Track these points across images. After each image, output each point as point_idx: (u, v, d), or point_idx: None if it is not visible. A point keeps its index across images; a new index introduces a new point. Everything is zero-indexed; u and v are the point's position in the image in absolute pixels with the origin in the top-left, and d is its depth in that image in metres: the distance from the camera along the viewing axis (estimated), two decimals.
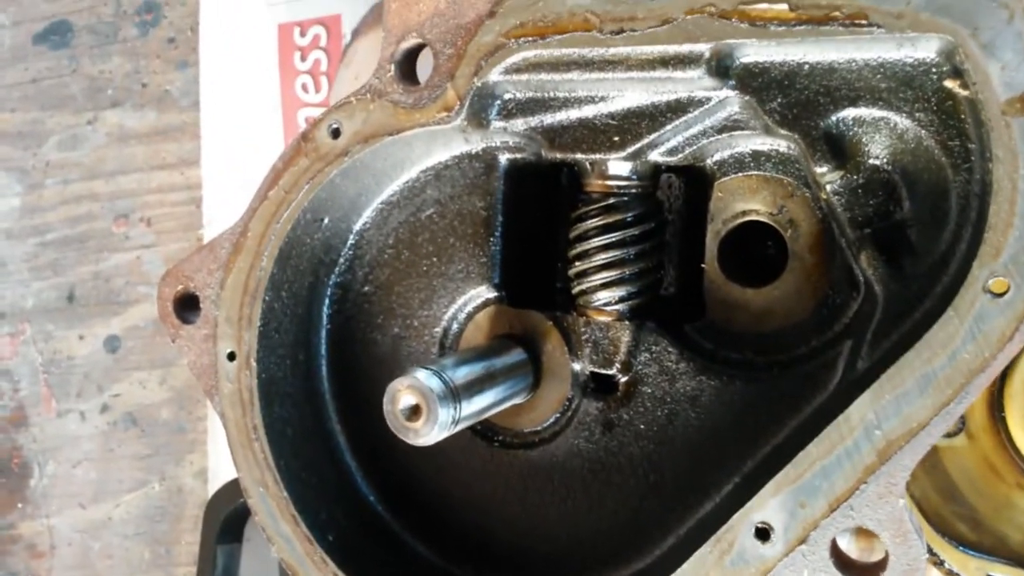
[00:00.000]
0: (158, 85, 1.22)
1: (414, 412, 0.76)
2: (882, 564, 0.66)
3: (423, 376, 0.76)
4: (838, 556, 0.68)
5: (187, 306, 0.98)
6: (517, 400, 0.89)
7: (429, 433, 0.76)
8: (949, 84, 0.65)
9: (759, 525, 0.70)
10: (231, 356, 0.94)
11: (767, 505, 0.69)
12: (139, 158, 1.23)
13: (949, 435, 0.87)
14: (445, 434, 0.77)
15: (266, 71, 1.17)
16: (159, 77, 1.22)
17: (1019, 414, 0.84)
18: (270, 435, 0.93)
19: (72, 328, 1.25)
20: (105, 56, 1.25)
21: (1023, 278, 0.60)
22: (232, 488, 1.09)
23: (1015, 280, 0.60)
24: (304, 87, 1.16)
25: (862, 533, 0.66)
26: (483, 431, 0.93)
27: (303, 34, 1.17)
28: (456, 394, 0.78)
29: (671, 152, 0.80)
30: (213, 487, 1.13)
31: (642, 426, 0.85)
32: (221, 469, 1.16)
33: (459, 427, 0.80)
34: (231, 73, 1.17)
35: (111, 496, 1.23)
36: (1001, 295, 0.60)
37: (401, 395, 0.76)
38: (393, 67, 0.83)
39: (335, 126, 0.86)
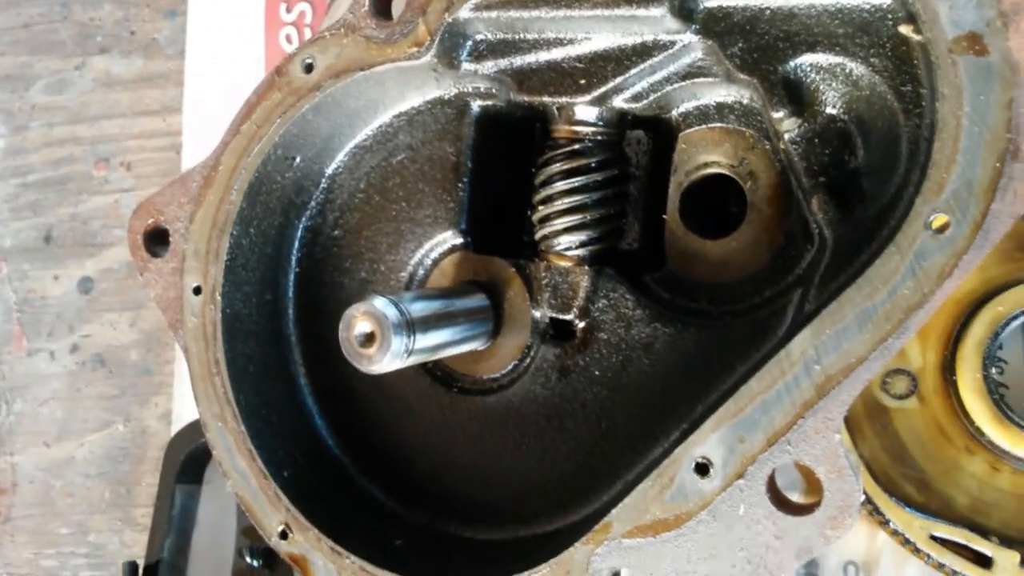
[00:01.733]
0: (146, 33, 1.24)
1: (368, 339, 0.76)
2: (817, 502, 0.67)
3: (380, 304, 0.77)
4: (774, 492, 0.68)
5: (157, 240, 0.98)
6: (475, 344, 0.90)
7: (381, 360, 0.76)
8: (903, 29, 0.66)
9: (699, 460, 0.70)
10: (197, 290, 0.94)
11: (707, 440, 0.70)
12: (123, 104, 1.24)
13: (900, 397, 0.88)
14: (398, 364, 0.78)
15: (252, 22, 1.18)
16: (148, 25, 1.23)
17: (970, 378, 0.85)
18: (231, 370, 0.93)
19: (48, 268, 1.26)
20: (96, 3, 1.26)
21: (963, 214, 0.61)
22: (194, 429, 1.10)
23: (955, 216, 0.61)
24: (288, 38, 1.18)
25: (799, 469, 0.67)
26: (442, 377, 0.94)
27: None
28: (412, 325, 0.79)
29: (636, 98, 0.81)
30: (176, 430, 1.13)
31: (597, 372, 0.86)
32: (185, 412, 1.17)
33: (412, 359, 0.80)
34: (218, 23, 1.18)
35: (75, 435, 1.23)
36: (942, 231, 0.61)
37: (357, 321, 0.77)
38: (367, 2, 0.84)
39: (308, 60, 0.87)
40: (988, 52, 0.59)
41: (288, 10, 1.18)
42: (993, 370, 0.85)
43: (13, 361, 1.27)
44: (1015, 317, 0.84)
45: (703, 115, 0.82)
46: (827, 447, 0.66)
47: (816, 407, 0.66)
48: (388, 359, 0.76)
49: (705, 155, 0.83)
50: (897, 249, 0.63)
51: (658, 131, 0.86)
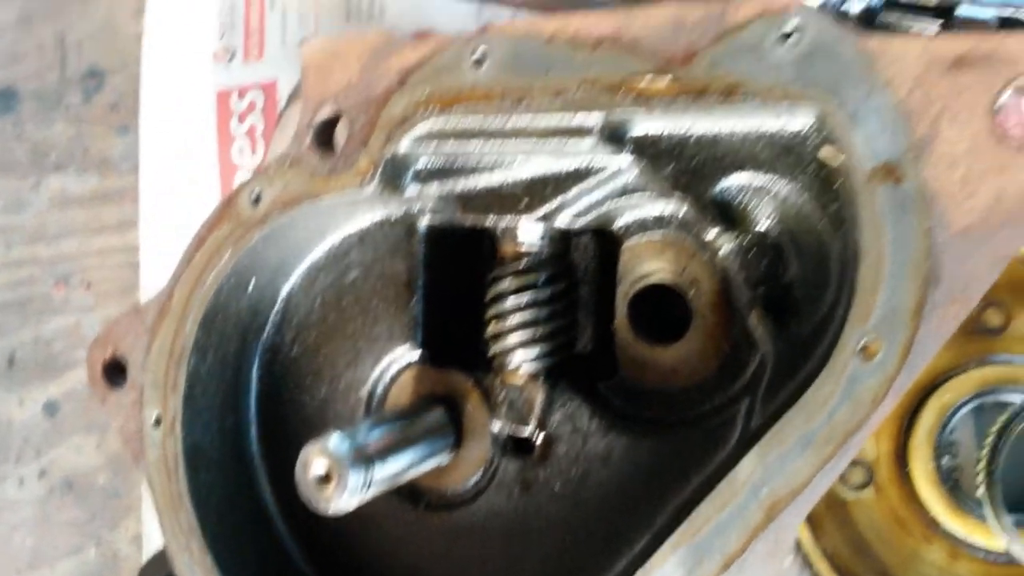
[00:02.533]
0: (100, 150, 1.25)
1: (325, 479, 0.77)
2: None
3: (334, 442, 0.77)
4: None
5: (115, 371, 0.98)
6: (438, 461, 0.90)
7: (339, 500, 0.76)
8: (823, 153, 0.68)
9: None
10: (157, 421, 0.94)
11: (666, 563, 0.70)
12: (80, 221, 1.24)
13: (857, 488, 0.88)
14: (357, 501, 0.78)
15: (204, 136, 1.19)
16: (101, 143, 1.24)
17: (923, 467, 0.85)
18: (195, 501, 0.93)
19: (12, 392, 1.25)
20: (49, 122, 1.28)
21: (892, 341, 0.62)
22: (163, 557, 1.08)
23: (885, 341, 0.62)
24: (241, 151, 1.19)
25: None
26: (409, 494, 0.94)
27: (240, 98, 1.20)
28: (369, 458, 0.79)
29: (577, 215, 0.83)
30: (148, 552, 1.12)
31: (558, 486, 0.86)
32: (155, 534, 1.16)
33: (373, 491, 0.80)
34: (170, 138, 1.19)
35: (47, 562, 1.22)
36: (872, 356, 0.63)
37: (312, 460, 0.77)
38: (310, 135, 0.85)
39: (256, 193, 0.88)
40: (903, 182, 0.61)
41: (240, 122, 1.20)
42: (945, 458, 0.86)
43: None
44: (962, 405, 0.86)
45: (643, 226, 0.84)
46: (778, 571, 0.66)
47: (767, 530, 0.66)
48: (346, 497, 0.76)
49: (648, 264, 0.84)
50: (831, 374, 0.64)
51: (602, 239, 0.88)
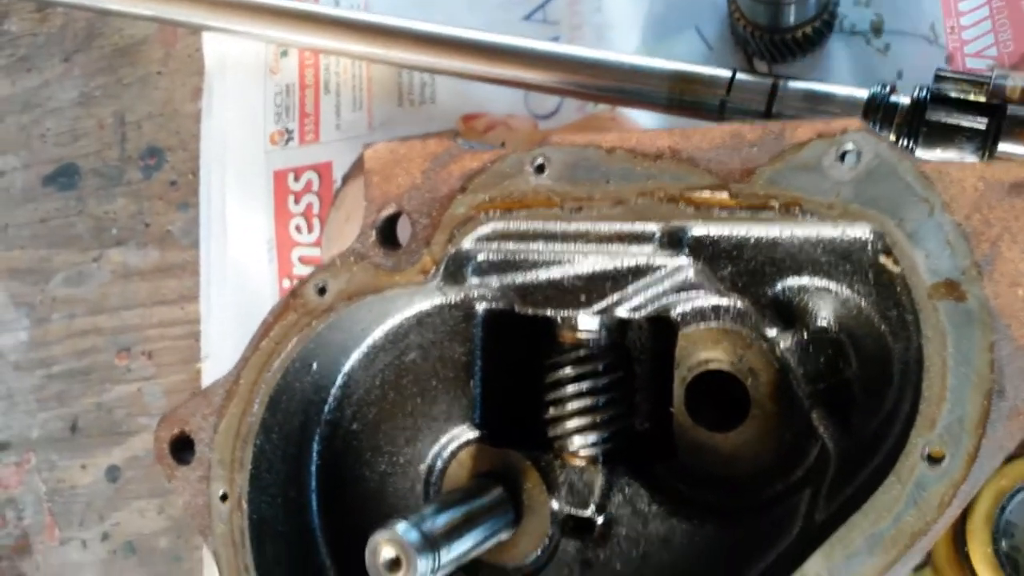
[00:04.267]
0: (160, 225, 1.29)
1: (394, 564, 0.79)
2: None
3: (402, 529, 0.80)
4: None
5: (182, 448, 1.02)
6: (498, 539, 0.92)
7: None
8: (883, 260, 0.70)
9: None
10: (224, 497, 0.97)
11: None
12: (142, 294, 1.29)
13: (916, 568, 0.90)
14: None
15: (262, 213, 1.23)
16: (161, 218, 1.29)
17: (981, 549, 0.87)
18: (260, 573, 0.96)
19: (75, 458, 1.29)
20: (110, 197, 1.32)
21: (957, 448, 0.64)
22: None
23: (950, 449, 0.64)
24: (298, 228, 1.23)
25: None
26: (469, 568, 0.96)
27: (297, 179, 1.24)
28: (435, 543, 0.81)
29: (635, 309, 0.85)
30: None
31: (618, 566, 0.88)
32: None
33: (441, 574, 0.83)
34: (229, 214, 1.24)
35: None
36: (938, 462, 0.64)
37: (381, 548, 0.79)
38: (374, 233, 0.88)
39: (321, 285, 0.92)
40: (966, 298, 0.63)
41: (296, 202, 1.24)
42: (1004, 542, 0.87)
43: (47, 551, 1.30)
44: (1020, 490, 0.87)
45: (701, 315, 0.86)
46: None
47: None
48: None
49: (705, 352, 0.87)
50: (898, 479, 0.66)
51: (659, 324, 0.90)
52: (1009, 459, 0.89)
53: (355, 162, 1.17)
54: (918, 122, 0.85)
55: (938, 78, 0.86)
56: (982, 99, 0.82)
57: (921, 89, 0.87)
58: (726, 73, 0.97)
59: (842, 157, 0.66)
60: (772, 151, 0.68)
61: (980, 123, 0.82)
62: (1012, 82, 0.82)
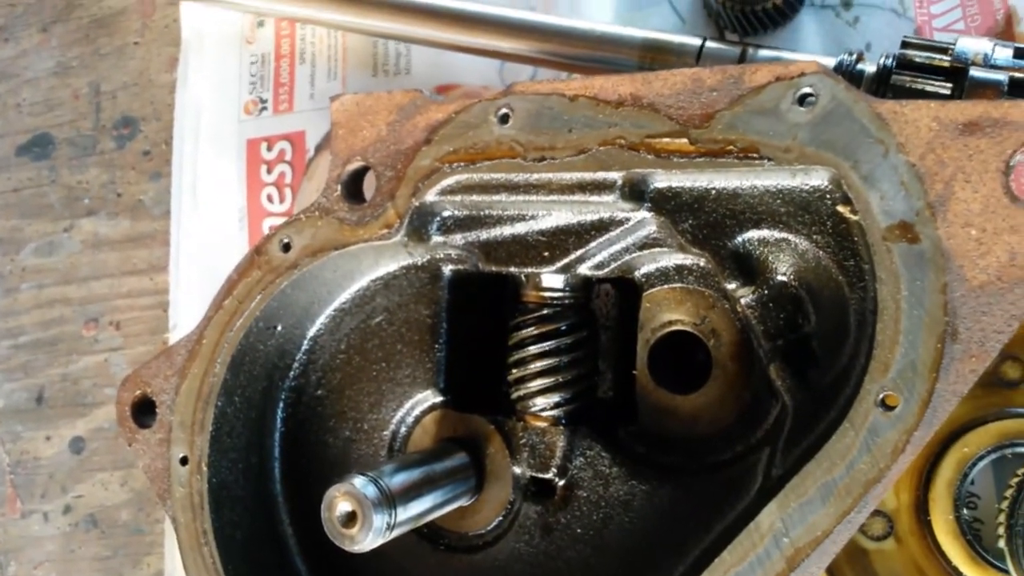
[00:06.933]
0: (132, 195, 1.28)
1: (350, 519, 0.78)
2: None
3: (359, 483, 0.79)
4: None
5: (144, 411, 1.00)
6: (460, 503, 0.91)
7: (364, 540, 0.77)
8: (841, 209, 0.70)
9: None
10: (183, 460, 0.96)
11: None
12: (111, 264, 1.28)
13: (878, 539, 0.89)
14: (380, 540, 0.79)
15: (234, 182, 1.23)
16: (133, 187, 1.28)
17: (943, 519, 0.86)
18: (219, 539, 0.94)
19: (40, 429, 1.28)
20: (83, 167, 1.32)
21: (911, 393, 0.63)
22: None
23: (903, 395, 0.64)
24: (269, 197, 1.22)
25: None
26: (429, 535, 0.95)
27: (270, 148, 1.24)
28: (392, 500, 0.80)
29: (599, 266, 0.85)
30: None
31: (579, 530, 0.87)
32: (177, 572, 1.17)
33: (396, 532, 0.81)
34: (201, 184, 1.23)
35: None
36: (892, 409, 0.64)
37: (337, 501, 0.78)
38: (339, 187, 0.88)
39: (286, 240, 0.91)
40: (920, 240, 0.63)
41: (269, 171, 1.23)
42: (965, 510, 0.87)
43: (7, 523, 1.28)
44: (981, 457, 0.86)
45: (664, 276, 0.86)
46: None
47: None
48: (370, 538, 0.78)
49: (668, 314, 0.86)
50: (851, 426, 0.65)
51: (623, 287, 0.90)
52: (970, 427, 0.89)
53: (328, 132, 1.17)
54: (883, 87, 0.86)
55: (904, 44, 0.87)
56: (946, 64, 0.82)
57: (887, 56, 0.88)
58: (696, 41, 0.97)
59: (800, 100, 0.66)
60: (731, 95, 0.68)
61: (944, 87, 0.82)
62: (975, 48, 0.83)
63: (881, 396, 0.64)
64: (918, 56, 0.85)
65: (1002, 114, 0.60)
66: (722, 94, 0.68)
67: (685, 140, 0.70)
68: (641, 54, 0.99)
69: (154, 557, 1.21)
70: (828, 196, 0.71)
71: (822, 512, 0.66)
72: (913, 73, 0.85)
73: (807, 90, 0.66)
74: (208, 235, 1.23)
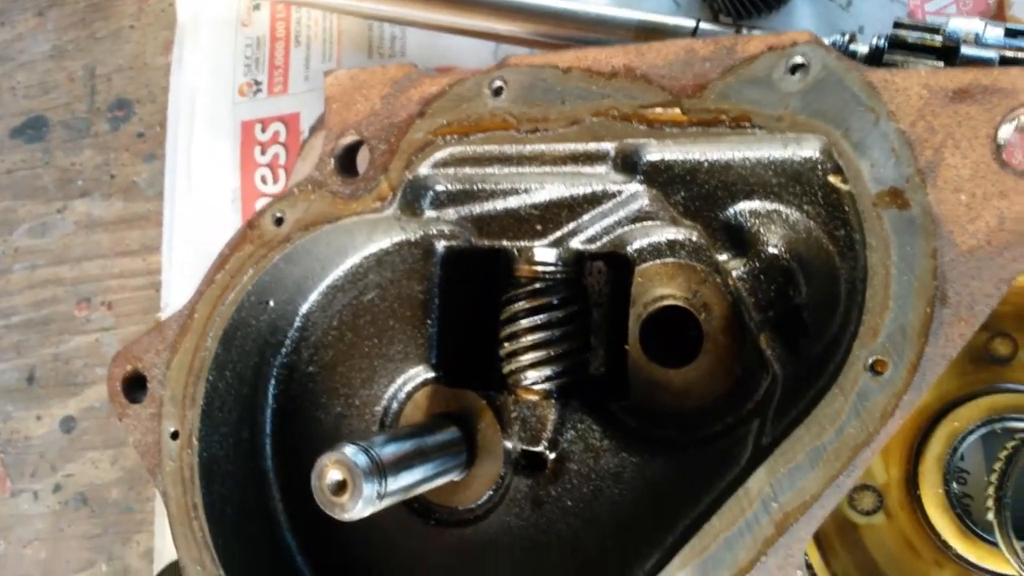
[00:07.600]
0: (126, 176, 1.28)
1: (340, 487, 0.78)
2: None
3: (350, 452, 0.79)
4: None
5: (135, 386, 1.00)
6: (450, 477, 0.91)
7: (353, 508, 0.77)
8: (832, 179, 0.71)
9: None
10: (174, 435, 0.96)
11: None
12: (104, 244, 1.28)
13: (867, 513, 0.89)
14: (371, 509, 0.79)
15: (228, 163, 1.23)
16: (127, 169, 1.28)
17: (932, 493, 0.86)
18: (209, 513, 0.94)
19: (31, 409, 1.27)
20: (77, 149, 1.32)
21: (900, 357, 0.64)
22: (175, 568, 1.09)
23: (892, 359, 0.64)
24: (263, 179, 1.22)
25: None
26: (420, 509, 0.95)
27: (264, 130, 1.24)
28: (383, 470, 0.80)
29: (591, 240, 0.85)
30: (158, 567, 1.13)
31: (569, 503, 0.87)
32: (167, 550, 1.17)
33: (386, 502, 0.81)
34: (195, 165, 1.23)
35: None
36: (881, 373, 0.64)
37: (327, 470, 0.78)
38: (333, 161, 0.88)
39: (278, 214, 0.91)
40: (910, 206, 0.63)
41: (263, 152, 1.24)
42: (955, 484, 0.87)
43: None
44: (971, 432, 0.87)
45: (656, 251, 0.86)
46: None
47: (776, 544, 0.67)
48: (360, 506, 0.78)
49: (660, 288, 0.87)
50: (841, 390, 0.66)
51: (616, 263, 0.90)
52: (960, 402, 0.90)
53: (322, 114, 1.17)
54: (875, 66, 0.86)
55: (896, 25, 0.87)
56: (938, 44, 0.83)
57: (879, 37, 0.88)
58: (690, 23, 0.98)
59: (792, 70, 0.66)
60: (724, 65, 0.68)
61: (936, 66, 0.83)
62: (966, 27, 0.84)
63: (870, 361, 0.65)
64: (910, 36, 0.86)
65: (991, 81, 0.61)
66: (715, 64, 0.69)
67: (678, 110, 0.70)
68: (635, 36, 1.00)
69: (144, 535, 1.20)
70: (819, 166, 0.71)
71: (811, 476, 0.66)
72: (905, 52, 0.86)
73: (799, 59, 0.66)
74: (201, 216, 1.24)
